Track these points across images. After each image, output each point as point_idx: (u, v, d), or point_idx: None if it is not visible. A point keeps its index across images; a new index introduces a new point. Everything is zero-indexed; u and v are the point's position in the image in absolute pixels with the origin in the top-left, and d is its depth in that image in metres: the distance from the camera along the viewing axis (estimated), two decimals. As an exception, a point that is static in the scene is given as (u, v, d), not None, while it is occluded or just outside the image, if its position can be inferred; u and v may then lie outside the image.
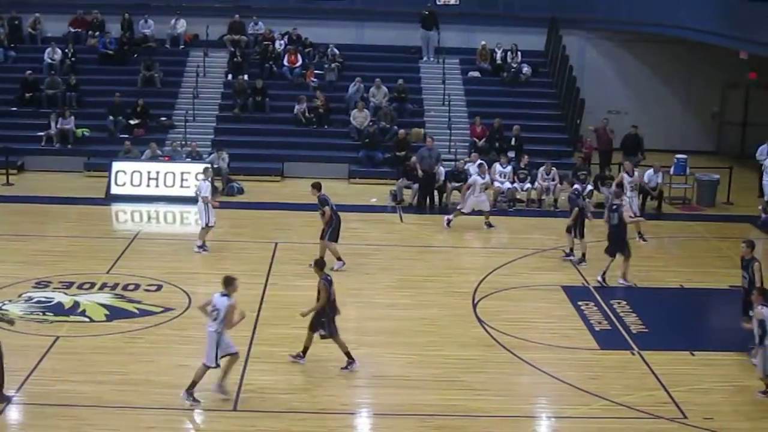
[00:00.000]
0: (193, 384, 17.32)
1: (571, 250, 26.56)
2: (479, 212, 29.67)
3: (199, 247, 26.52)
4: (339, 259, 25.04)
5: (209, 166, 28.96)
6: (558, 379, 19.12)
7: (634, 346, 20.88)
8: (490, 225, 29.76)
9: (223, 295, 17.52)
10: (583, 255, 26.32)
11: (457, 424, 17.18)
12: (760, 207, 32.78)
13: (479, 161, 32.07)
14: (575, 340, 21.23)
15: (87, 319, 21.36)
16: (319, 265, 19.41)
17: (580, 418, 17.66)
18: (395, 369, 19.21)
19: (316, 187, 25.29)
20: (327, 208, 24.98)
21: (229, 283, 17.62)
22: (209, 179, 27.11)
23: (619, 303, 23.51)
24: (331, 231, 25.01)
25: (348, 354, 18.97)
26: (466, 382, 18.84)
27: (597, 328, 21.82)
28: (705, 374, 19.52)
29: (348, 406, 17.71)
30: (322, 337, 18.89)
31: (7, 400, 17.21)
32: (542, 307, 23.31)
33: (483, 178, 30.04)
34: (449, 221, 29.55)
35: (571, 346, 20.88)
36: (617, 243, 24.79)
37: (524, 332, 21.35)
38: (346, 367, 18.90)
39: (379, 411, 17.46)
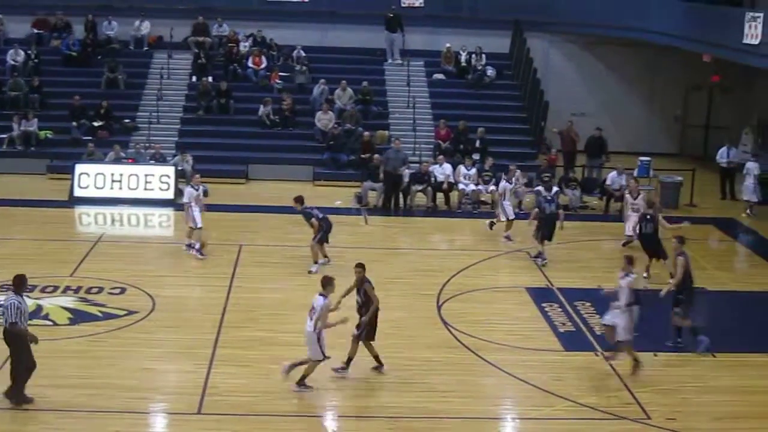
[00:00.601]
0: (303, 377, 18.05)
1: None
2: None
3: (188, 246, 26.47)
4: (316, 262, 25.05)
5: (197, 174, 28.78)
6: (522, 380, 19.18)
7: (598, 348, 20.96)
8: (492, 225, 29.54)
9: (321, 294, 18.08)
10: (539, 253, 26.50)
11: (421, 426, 17.20)
12: (748, 211, 33.16)
13: (512, 167, 31.46)
14: (539, 341, 21.30)
15: (50, 323, 21.21)
16: (362, 266, 19.66)
17: (544, 419, 17.71)
18: (360, 371, 19.18)
19: (299, 200, 25.42)
20: (314, 221, 25.17)
21: (327, 283, 18.23)
22: (197, 186, 26.90)
23: (583, 304, 23.60)
24: (322, 234, 25.30)
25: (377, 358, 19.20)
26: (430, 384, 18.86)
27: (561, 330, 21.91)
28: (668, 375, 19.64)
29: (313, 408, 17.72)
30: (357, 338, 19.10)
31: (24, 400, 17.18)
32: (506, 309, 23.38)
33: (511, 184, 29.63)
34: (492, 224, 29.57)
35: (535, 347, 20.94)
36: (653, 247, 25.34)
37: (488, 334, 21.40)
38: (377, 367, 19.18)
39: (344, 413, 17.46)
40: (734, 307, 22.38)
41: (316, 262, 25.13)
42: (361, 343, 18.83)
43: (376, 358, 19.14)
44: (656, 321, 23.06)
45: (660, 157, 38.14)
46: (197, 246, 26.21)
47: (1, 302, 17.15)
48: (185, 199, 26.48)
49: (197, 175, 27.49)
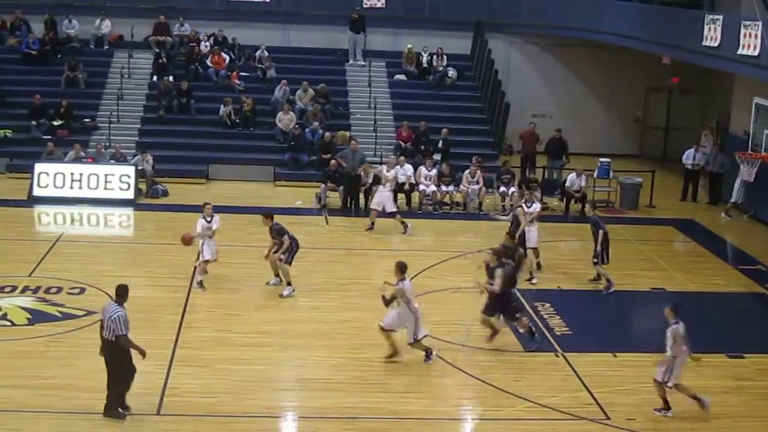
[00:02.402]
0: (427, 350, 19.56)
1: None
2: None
3: (199, 283, 24.50)
4: (289, 284, 23.97)
5: (209, 204, 26.03)
6: (482, 381, 19.22)
7: (558, 348, 21.04)
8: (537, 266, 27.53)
9: (401, 280, 19.11)
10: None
11: (381, 427, 17.20)
12: (723, 214, 33.48)
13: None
14: (499, 342, 21.28)
15: (8, 323, 21.07)
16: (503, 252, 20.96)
17: (504, 420, 17.75)
18: (319, 372, 19.18)
19: (268, 216, 23.93)
20: (286, 238, 23.64)
21: (401, 269, 19.36)
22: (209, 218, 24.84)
23: (543, 305, 23.68)
24: (289, 255, 23.78)
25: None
26: (390, 385, 18.87)
27: (521, 331, 21.93)
28: (628, 375, 19.72)
29: (272, 409, 17.67)
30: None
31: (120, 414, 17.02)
32: (466, 310, 23.35)
33: (528, 207, 28.57)
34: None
35: (495, 348, 20.97)
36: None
37: (448, 334, 21.41)
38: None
39: (304, 414, 17.43)
40: (692, 308, 22.48)
41: (289, 284, 23.84)
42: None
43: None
44: (614, 323, 23.22)
45: (620, 159, 38.36)
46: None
47: (111, 313, 16.40)
48: (198, 230, 24.50)
49: (209, 205, 24.96)
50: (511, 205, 32.61)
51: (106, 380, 16.71)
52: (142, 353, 16.59)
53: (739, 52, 28.74)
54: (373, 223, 29.38)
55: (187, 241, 24.07)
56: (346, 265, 26.30)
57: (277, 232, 23.80)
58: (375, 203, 29.91)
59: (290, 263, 23.84)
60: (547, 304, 23.81)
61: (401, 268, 19.50)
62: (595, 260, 24.95)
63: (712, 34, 30.47)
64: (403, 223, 29.60)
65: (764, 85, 28.32)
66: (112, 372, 16.68)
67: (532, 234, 26.36)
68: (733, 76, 34.72)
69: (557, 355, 20.71)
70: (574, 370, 19.90)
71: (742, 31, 28.53)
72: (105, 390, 16.66)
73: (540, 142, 37.27)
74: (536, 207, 27.09)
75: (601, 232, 24.86)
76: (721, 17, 30.29)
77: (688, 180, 36.19)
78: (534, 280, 25.56)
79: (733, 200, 33.49)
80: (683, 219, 33.31)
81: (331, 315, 22.33)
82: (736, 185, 33.29)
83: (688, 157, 35.89)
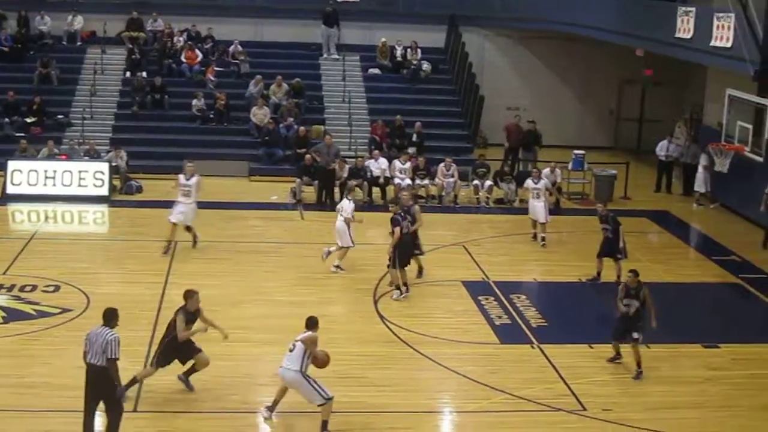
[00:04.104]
0: None
1: None
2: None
3: (336, 266, 25.31)
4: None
5: (353, 183, 28.46)
6: (459, 373, 19.26)
7: (533, 340, 21.11)
8: (541, 239, 28.46)
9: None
10: None
11: (359, 420, 17.21)
12: (694, 204, 33.62)
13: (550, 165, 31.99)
14: (475, 334, 21.39)
15: (-17, 322, 21.02)
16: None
17: (481, 412, 17.80)
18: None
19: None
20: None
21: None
22: (353, 199, 26.02)
23: (518, 297, 23.75)
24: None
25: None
26: (368, 379, 18.91)
27: (497, 323, 22.02)
28: (603, 366, 19.80)
29: (250, 404, 17.62)
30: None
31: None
32: (443, 303, 23.45)
33: (535, 183, 28.70)
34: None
35: (471, 340, 21.04)
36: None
37: (425, 328, 21.47)
38: None
39: (282, 409, 17.37)
40: (668, 299, 22.57)
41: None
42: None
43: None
44: (590, 314, 23.30)
45: (594, 151, 38.43)
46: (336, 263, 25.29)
47: (105, 336, 15.25)
48: (347, 215, 25.17)
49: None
50: (487, 198, 32.77)
51: (85, 405, 15.61)
52: (120, 390, 15.57)
53: (712, 44, 28.84)
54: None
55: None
56: (322, 260, 26.27)
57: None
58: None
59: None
60: (523, 296, 23.88)
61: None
62: (619, 255, 24.97)
63: (685, 26, 30.57)
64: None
65: (737, 77, 28.41)
66: (104, 399, 15.53)
67: (538, 208, 28.03)
68: (707, 68, 34.85)
69: (533, 347, 20.78)
70: (550, 362, 19.96)
71: (715, 23, 28.62)
72: (81, 388, 16.44)
73: (522, 135, 37.37)
74: (543, 183, 28.52)
75: (620, 228, 24.95)
76: (693, 9, 30.38)
77: (661, 172, 36.33)
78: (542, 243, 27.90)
79: (696, 189, 33.69)
80: (657, 210, 33.44)
81: (308, 310, 22.13)
82: (699, 174, 33.49)
83: (662, 149, 36.04)
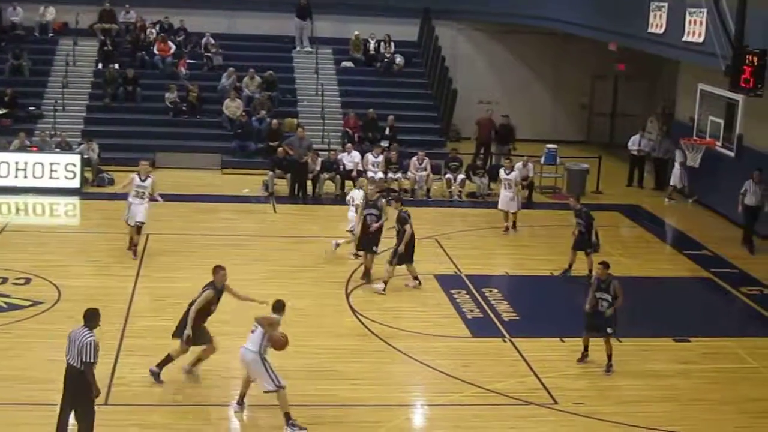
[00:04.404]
0: None
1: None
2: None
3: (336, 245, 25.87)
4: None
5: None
6: (431, 367, 19.28)
7: (505, 334, 21.16)
8: (512, 227, 29.17)
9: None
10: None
11: (331, 414, 17.21)
12: (666, 199, 33.81)
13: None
14: (447, 328, 21.43)
15: (-47, 314, 20.91)
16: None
17: (452, 405, 17.84)
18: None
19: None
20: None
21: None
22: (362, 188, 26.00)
23: (490, 291, 23.79)
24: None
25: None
26: (340, 372, 18.90)
27: (469, 316, 22.06)
28: (574, 360, 19.83)
29: (222, 398, 17.58)
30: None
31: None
32: (415, 296, 23.46)
33: (507, 174, 29.17)
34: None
35: (443, 334, 21.07)
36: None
37: (397, 321, 21.50)
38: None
39: (254, 402, 17.36)
40: (639, 293, 22.67)
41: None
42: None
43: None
44: (561, 308, 23.35)
45: (567, 145, 38.58)
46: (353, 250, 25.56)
47: (81, 338, 14.74)
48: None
49: (145, 163, 25.95)
50: (460, 192, 32.79)
51: (62, 402, 15.22)
52: (96, 392, 15.02)
53: (685, 39, 28.95)
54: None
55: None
56: (295, 253, 26.24)
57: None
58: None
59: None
60: (495, 290, 23.93)
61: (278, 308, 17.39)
62: (589, 250, 25.05)
63: (658, 21, 30.69)
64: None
65: (709, 72, 28.55)
66: (76, 404, 15.12)
67: (508, 199, 28.66)
68: (679, 63, 34.98)
69: (505, 341, 20.82)
70: (522, 356, 20.01)
71: (687, 18, 28.73)
72: (53, 381, 16.33)
73: (495, 129, 37.41)
74: (514, 174, 28.95)
75: (594, 222, 25.01)
76: (666, 4, 30.48)
77: (633, 166, 36.47)
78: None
79: (672, 183, 33.82)
80: (629, 204, 33.56)
81: (280, 303, 22.27)
82: (676, 170, 33.62)
83: (634, 143, 36.17)
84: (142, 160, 26.49)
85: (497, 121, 37.47)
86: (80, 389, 14.94)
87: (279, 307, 16.90)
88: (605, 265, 19.60)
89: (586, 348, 19.80)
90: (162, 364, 17.89)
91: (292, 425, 16.35)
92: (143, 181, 25.12)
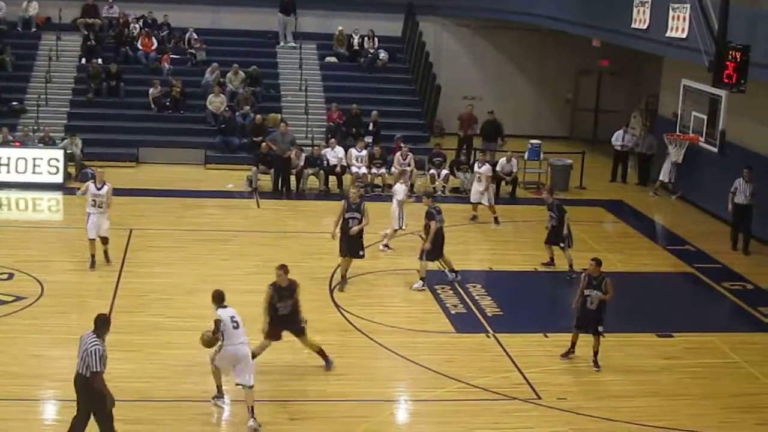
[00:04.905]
0: None
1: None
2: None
3: (385, 245, 26.50)
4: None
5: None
6: (414, 362, 19.30)
7: (489, 329, 21.18)
8: (495, 222, 29.71)
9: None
10: None
11: (315, 410, 17.23)
12: (652, 193, 34.04)
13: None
14: (431, 323, 21.45)
15: (-65, 310, 20.84)
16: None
17: (436, 400, 17.86)
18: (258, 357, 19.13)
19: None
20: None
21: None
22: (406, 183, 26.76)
23: (474, 286, 23.83)
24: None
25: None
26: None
27: (453, 312, 22.09)
28: (558, 355, 19.86)
29: (207, 393, 17.53)
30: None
31: None
32: (398, 291, 23.49)
33: (479, 167, 29.97)
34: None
35: (427, 329, 21.09)
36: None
37: (380, 316, 21.52)
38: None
39: (239, 398, 17.36)
40: (622, 288, 22.69)
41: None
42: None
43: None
44: (545, 303, 23.40)
45: (550, 140, 38.63)
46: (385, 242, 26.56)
47: (87, 345, 14.42)
48: (400, 197, 26.27)
49: (101, 171, 24.76)
50: (444, 187, 32.81)
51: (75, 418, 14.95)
52: (111, 403, 14.66)
53: (668, 34, 28.97)
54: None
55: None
56: (278, 248, 26.22)
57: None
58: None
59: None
60: (478, 285, 23.96)
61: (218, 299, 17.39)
62: (562, 244, 25.13)
63: (641, 17, 30.70)
64: None
65: (692, 68, 28.52)
66: (92, 411, 14.73)
67: (475, 190, 29.40)
68: (662, 59, 35.04)
69: (488, 336, 20.85)
70: (505, 351, 20.05)
71: (671, 13, 28.75)
72: (35, 377, 16.33)
73: (476, 125, 37.43)
74: (484, 168, 29.44)
75: (566, 216, 25.07)
76: (649, 0, 30.52)
77: (617, 161, 36.53)
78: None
79: (661, 179, 33.88)
80: (613, 200, 33.63)
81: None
82: (666, 165, 33.66)
83: (618, 139, 36.23)
84: (99, 169, 25.67)
85: (480, 116, 37.44)
86: (89, 396, 14.54)
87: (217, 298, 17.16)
88: (598, 262, 19.55)
89: (573, 345, 19.79)
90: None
91: (254, 419, 16.38)
92: (99, 189, 23.64)
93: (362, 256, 23.72)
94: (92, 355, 14.22)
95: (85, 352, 14.30)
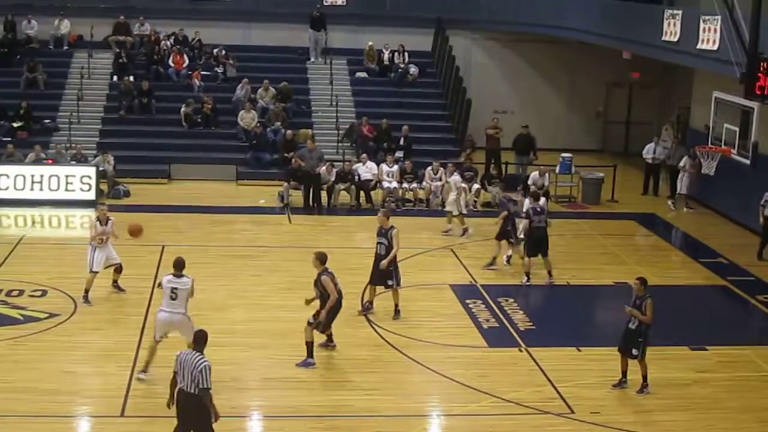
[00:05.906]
0: None
1: (494, 258, 26.55)
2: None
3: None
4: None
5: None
6: (447, 377, 19.26)
7: (521, 343, 21.12)
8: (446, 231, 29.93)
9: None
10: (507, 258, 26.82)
11: (347, 425, 17.19)
12: (669, 202, 33.85)
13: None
14: (463, 338, 21.40)
15: (-30, 327, 20.94)
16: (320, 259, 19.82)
17: (469, 415, 17.81)
18: (285, 371, 19.14)
19: (321, 260, 20.25)
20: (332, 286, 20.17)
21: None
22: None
23: (506, 300, 23.77)
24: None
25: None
26: (355, 382, 18.89)
27: (485, 326, 22.04)
28: (591, 369, 19.81)
29: (238, 408, 17.55)
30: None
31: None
32: (431, 306, 23.44)
33: (449, 176, 30.92)
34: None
35: (459, 344, 21.04)
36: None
37: (413, 331, 21.47)
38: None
39: (269, 413, 17.38)
40: (655, 302, 22.58)
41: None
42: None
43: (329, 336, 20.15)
44: (577, 317, 23.30)
45: (582, 154, 38.49)
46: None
47: (196, 363, 14.63)
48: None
49: (103, 207, 23.82)
50: (475, 201, 32.74)
51: (179, 426, 15.11)
52: (216, 417, 14.91)
53: (699, 46, 28.90)
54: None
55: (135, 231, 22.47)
56: (309, 264, 26.07)
57: (324, 284, 19.98)
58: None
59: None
60: (511, 300, 23.89)
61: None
62: (512, 240, 25.88)
63: (672, 29, 30.65)
64: None
65: (724, 80, 28.50)
66: (193, 427, 14.95)
67: (450, 197, 29.74)
68: (693, 71, 34.95)
69: (521, 350, 20.78)
70: (538, 365, 19.97)
71: (702, 25, 28.69)
72: (66, 393, 16.38)
73: (502, 136, 37.38)
74: (453, 178, 30.22)
75: (505, 213, 26.05)
76: (680, 12, 30.45)
77: (648, 174, 36.40)
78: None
79: (679, 192, 33.75)
80: (644, 213, 33.50)
81: (295, 314, 22.10)
82: (682, 176, 33.51)
83: (649, 152, 36.09)
84: (101, 204, 25.09)
85: (512, 131, 37.32)
86: (194, 413, 14.79)
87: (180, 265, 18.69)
88: (642, 280, 18.94)
89: (623, 374, 19.12)
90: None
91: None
92: (104, 225, 23.03)
93: (391, 287, 22.55)
94: (204, 371, 14.57)
95: (196, 370, 14.59)
